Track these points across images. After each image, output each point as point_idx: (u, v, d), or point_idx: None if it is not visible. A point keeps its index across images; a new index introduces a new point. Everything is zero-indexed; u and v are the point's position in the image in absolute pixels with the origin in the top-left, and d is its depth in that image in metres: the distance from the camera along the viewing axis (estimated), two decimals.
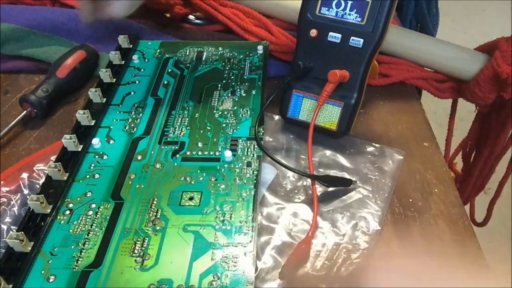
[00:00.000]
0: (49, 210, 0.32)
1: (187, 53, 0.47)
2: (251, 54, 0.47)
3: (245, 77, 0.44)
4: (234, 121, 0.39)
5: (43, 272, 0.29)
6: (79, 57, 0.45)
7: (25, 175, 0.35)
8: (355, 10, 0.36)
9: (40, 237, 0.30)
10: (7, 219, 0.33)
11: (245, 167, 0.35)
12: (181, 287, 0.28)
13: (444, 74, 0.46)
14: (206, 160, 0.36)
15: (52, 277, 0.28)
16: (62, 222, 0.31)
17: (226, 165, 0.35)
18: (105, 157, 0.36)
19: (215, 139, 0.38)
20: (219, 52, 0.47)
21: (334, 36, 0.37)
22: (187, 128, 0.39)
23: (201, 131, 0.38)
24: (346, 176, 0.37)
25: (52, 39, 0.48)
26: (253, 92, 0.42)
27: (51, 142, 0.40)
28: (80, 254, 0.30)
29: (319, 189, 0.35)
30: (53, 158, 0.36)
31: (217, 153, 0.36)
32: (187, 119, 0.40)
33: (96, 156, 0.36)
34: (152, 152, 0.36)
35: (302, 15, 0.38)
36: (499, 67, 0.40)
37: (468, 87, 0.43)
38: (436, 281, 0.25)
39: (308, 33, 0.37)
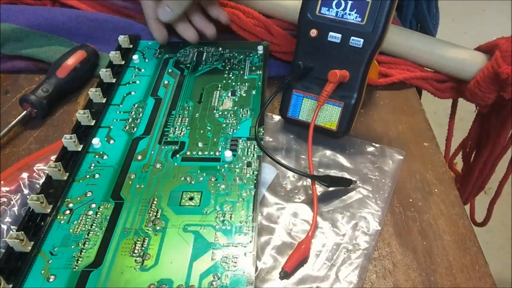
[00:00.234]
0: (49, 210, 0.32)
1: (187, 53, 0.47)
2: (251, 54, 0.47)
3: (245, 77, 0.44)
4: (234, 121, 0.39)
5: (43, 272, 0.29)
6: (79, 57, 0.45)
7: (25, 175, 0.35)
8: (355, 10, 0.36)
9: (40, 237, 0.30)
10: (7, 219, 0.33)
11: (245, 167, 0.35)
12: (181, 287, 0.28)
13: (444, 74, 0.46)
14: (206, 160, 0.36)
15: (52, 277, 0.28)
16: (62, 222, 0.31)
17: (226, 165, 0.35)
18: (105, 157, 0.36)
19: (215, 139, 0.38)
20: (219, 52, 0.47)
21: (334, 36, 0.37)
22: (187, 128, 0.39)
23: (201, 131, 0.38)
24: (346, 176, 0.37)
25: (52, 39, 0.48)
26: (253, 92, 0.42)
27: (51, 142, 0.40)
28: (80, 254, 0.30)
29: (319, 189, 0.35)
30: (53, 158, 0.36)
31: (217, 153, 0.36)
32: (187, 119, 0.40)
33: (96, 156, 0.36)
34: (152, 152, 0.36)
35: (302, 15, 0.38)
36: (499, 67, 0.40)
37: (468, 87, 0.43)
38: None
39: (308, 33, 0.37)
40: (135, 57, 0.46)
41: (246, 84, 0.43)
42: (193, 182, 0.34)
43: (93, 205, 0.32)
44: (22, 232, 0.29)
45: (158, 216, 0.32)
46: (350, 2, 0.36)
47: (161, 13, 0.43)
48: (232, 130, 0.38)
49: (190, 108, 0.41)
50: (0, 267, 0.29)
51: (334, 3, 0.36)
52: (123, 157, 0.36)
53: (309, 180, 0.36)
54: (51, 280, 0.28)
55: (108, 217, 0.32)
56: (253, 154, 0.36)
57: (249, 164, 0.35)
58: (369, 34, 0.35)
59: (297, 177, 0.37)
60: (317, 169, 0.37)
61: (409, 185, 0.37)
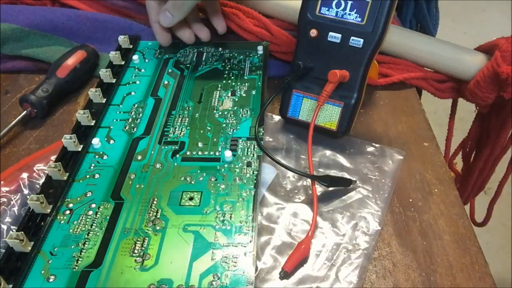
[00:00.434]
0: (49, 210, 0.32)
1: (187, 54, 0.47)
2: (251, 54, 0.47)
3: (245, 77, 0.44)
4: (234, 121, 0.39)
5: (43, 272, 0.29)
6: (79, 57, 0.45)
7: (25, 175, 0.35)
8: (355, 10, 0.36)
9: (40, 237, 0.30)
10: (7, 219, 0.33)
11: (245, 167, 0.35)
12: (181, 287, 0.28)
13: (444, 74, 0.46)
14: (206, 160, 0.36)
15: (52, 277, 0.28)
16: (62, 222, 0.31)
17: (226, 165, 0.35)
18: (105, 157, 0.36)
19: (215, 139, 0.38)
20: (219, 52, 0.47)
21: (334, 36, 0.37)
22: (187, 128, 0.39)
23: (201, 131, 0.38)
24: (346, 176, 0.37)
25: (52, 39, 0.48)
26: (253, 92, 0.42)
27: (51, 142, 0.40)
28: (80, 254, 0.30)
29: (319, 189, 0.35)
30: (53, 158, 0.36)
31: (217, 153, 0.36)
32: (187, 119, 0.40)
33: (96, 156, 0.36)
34: (152, 152, 0.36)
35: (302, 15, 0.38)
36: (499, 67, 0.40)
37: (468, 87, 0.43)
38: None
39: (308, 33, 0.37)
40: (135, 57, 0.46)
41: (246, 84, 0.43)
42: (193, 182, 0.34)
43: (93, 205, 0.32)
44: (22, 232, 0.29)
45: (158, 216, 0.32)
46: (350, 2, 0.36)
47: (162, 18, 0.44)
48: (232, 130, 0.38)
49: (190, 108, 0.41)
50: (0, 267, 0.29)
51: (334, 3, 0.36)
52: (123, 157, 0.36)
53: (309, 180, 0.36)
54: (51, 280, 0.28)
55: (108, 217, 0.32)
56: (253, 154, 0.36)
57: (249, 164, 0.35)
58: (369, 34, 0.35)
59: (297, 177, 0.37)
60: (317, 169, 0.37)
61: (409, 185, 0.37)
